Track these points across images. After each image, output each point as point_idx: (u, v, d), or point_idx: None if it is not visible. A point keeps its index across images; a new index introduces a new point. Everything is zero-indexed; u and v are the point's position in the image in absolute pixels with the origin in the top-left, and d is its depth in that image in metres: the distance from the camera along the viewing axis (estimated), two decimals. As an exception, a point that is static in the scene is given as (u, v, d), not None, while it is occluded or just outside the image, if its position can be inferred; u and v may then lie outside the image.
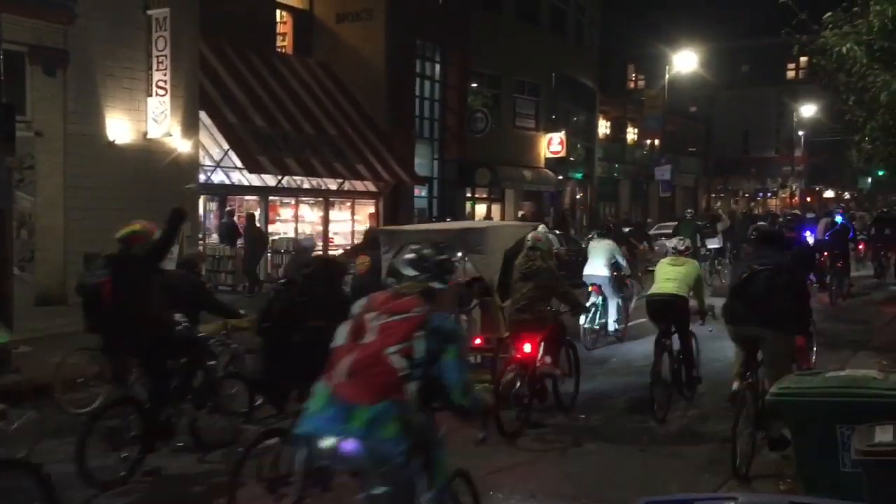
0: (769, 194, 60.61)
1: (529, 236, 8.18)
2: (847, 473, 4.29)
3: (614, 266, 11.53)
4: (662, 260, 8.97)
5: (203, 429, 6.83)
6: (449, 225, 12.68)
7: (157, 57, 15.47)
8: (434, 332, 3.48)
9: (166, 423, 6.39)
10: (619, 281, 11.90)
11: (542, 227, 9.33)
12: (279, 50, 23.43)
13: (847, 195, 65.18)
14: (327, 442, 3.37)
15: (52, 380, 8.13)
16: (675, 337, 8.30)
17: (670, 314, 8.24)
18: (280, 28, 23.89)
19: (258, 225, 18.92)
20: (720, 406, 7.96)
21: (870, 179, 52.28)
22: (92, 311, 6.51)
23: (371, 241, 10.21)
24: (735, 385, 6.66)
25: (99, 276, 6.47)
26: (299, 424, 3.52)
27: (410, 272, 3.73)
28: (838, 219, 17.86)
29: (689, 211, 23.44)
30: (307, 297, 5.59)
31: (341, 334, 3.56)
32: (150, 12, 15.42)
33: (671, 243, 9.41)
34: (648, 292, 8.95)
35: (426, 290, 3.66)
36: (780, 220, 21.81)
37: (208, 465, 6.69)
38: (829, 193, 64.82)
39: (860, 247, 20.34)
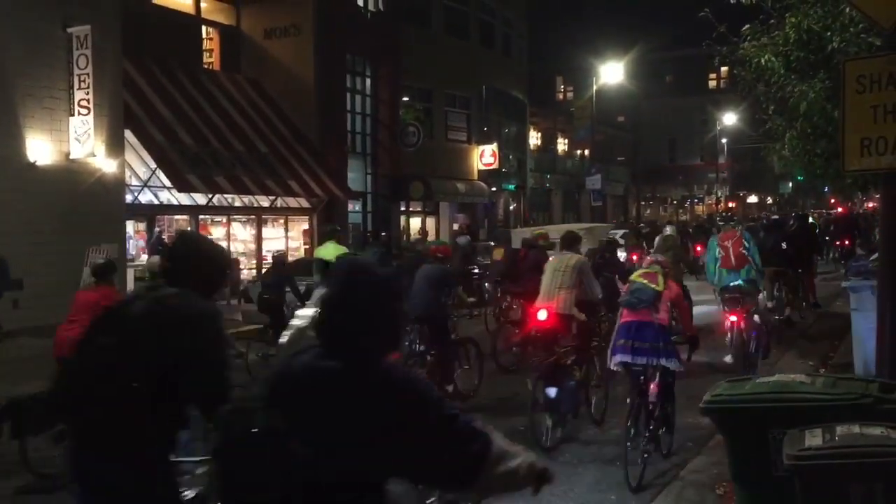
0: (696, 201, 62.11)
1: (668, 228, 17.32)
2: (779, 477, 4.38)
3: None
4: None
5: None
6: (569, 226, 18.03)
7: (79, 75, 15.08)
8: (748, 238, 10.52)
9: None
10: None
11: (668, 229, 15.90)
12: (206, 66, 23.08)
13: (769, 200, 67.23)
14: (733, 284, 10.02)
15: None
16: None
17: None
18: (207, 44, 23.55)
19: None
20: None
21: (790, 184, 54.06)
22: None
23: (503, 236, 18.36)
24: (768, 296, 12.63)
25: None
26: (722, 281, 10.27)
27: (729, 224, 15.92)
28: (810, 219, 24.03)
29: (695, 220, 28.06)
30: (602, 260, 11.94)
31: (721, 251, 10.30)
32: (70, 30, 15.03)
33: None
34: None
35: (743, 228, 12.55)
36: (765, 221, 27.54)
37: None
38: (752, 199, 66.73)
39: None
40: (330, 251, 10.71)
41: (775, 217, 21.91)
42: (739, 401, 4.80)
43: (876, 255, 8.75)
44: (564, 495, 6.31)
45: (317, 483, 2.43)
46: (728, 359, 10.56)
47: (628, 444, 6.46)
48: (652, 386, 6.73)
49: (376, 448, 2.46)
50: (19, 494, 5.62)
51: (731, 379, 5.36)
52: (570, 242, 9.20)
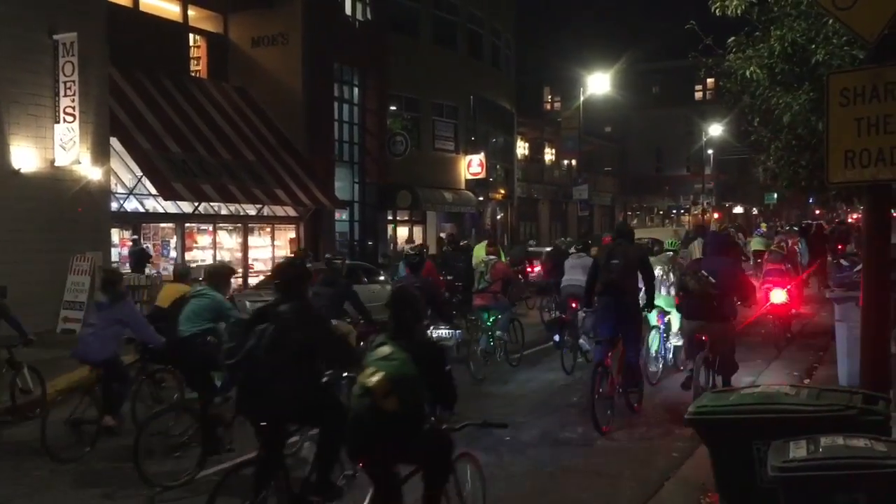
0: (682, 211, 62.37)
1: (731, 229, 21.90)
2: (764, 489, 4.39)
3: None
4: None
5: None
6: (656, 230, 22.34)
7: (65, 83, 15.01)
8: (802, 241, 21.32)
9: None
10: None
11: (731, 230, 17.66)
12: (193, 74, 23.02)
13: (755, 210, 67.57)
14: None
15: None
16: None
17: None
18: (194, 52, 23.49)
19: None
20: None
21: (775, 195, 54.36)
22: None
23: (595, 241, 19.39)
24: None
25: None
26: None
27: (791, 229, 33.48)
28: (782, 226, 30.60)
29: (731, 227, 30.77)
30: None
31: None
32: (56, 37, 14.97)
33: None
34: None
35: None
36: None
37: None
38: (738, 209, 67.05)
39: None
40: (480, 249, 15.92)
41: (796, 226, 28.43)
42: (724, 412, 4.81)
43: (859, 267, 8.80)
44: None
45: None
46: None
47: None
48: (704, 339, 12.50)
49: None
50: None
51: (717, 390, 5.37)
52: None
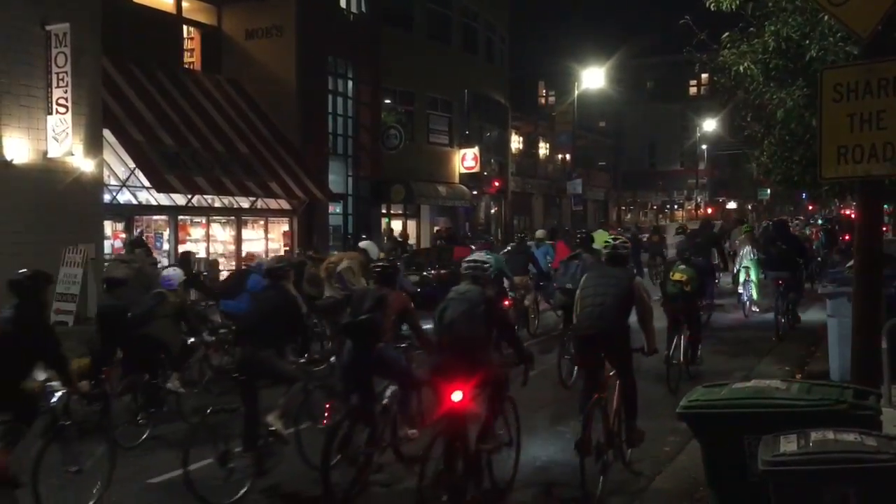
0: (675, 206, 62.50)
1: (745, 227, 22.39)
2: (754, 483, 4.40)
3: None
4: None
5: None
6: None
7: (58, 74, 14.91)
8: (824, 231, 26.11)
9: None
10: None
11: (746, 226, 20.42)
12: (187, 66, 22.93)
13: (749, 206, 67.73)
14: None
15: None
16: None
17: None
18: (188, 44, 23.39)
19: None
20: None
21: (768, 191, 54.51)
22: None
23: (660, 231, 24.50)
24: None
25: None
26: None
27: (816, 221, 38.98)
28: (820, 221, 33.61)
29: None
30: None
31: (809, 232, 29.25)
32: (48, 28, 14.87)
33: None
34: None
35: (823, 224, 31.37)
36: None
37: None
38: (731, 204, 67.21)
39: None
40: (602, 235, 17.33)
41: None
42: (715, 406, 4.83)
43: (851, 263, 8.83)
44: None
45: None
46: None
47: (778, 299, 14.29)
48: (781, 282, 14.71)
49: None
50: None
51: (708, 385, 5.38)
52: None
